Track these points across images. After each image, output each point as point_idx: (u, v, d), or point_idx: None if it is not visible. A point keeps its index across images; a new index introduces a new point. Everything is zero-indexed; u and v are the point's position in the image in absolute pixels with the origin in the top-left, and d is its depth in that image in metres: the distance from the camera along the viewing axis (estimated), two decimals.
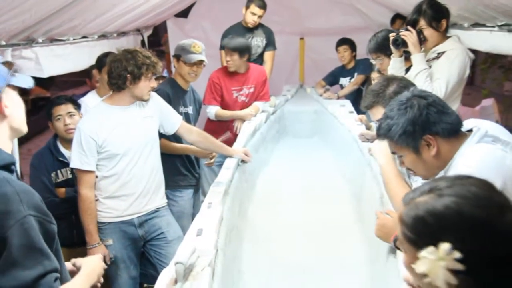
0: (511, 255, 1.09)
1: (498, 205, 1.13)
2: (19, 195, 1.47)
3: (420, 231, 1.15)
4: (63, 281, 1.64)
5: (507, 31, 3.41)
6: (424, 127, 1.92)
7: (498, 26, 3.52)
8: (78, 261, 1.89)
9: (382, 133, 2.05)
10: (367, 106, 2.61)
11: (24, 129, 1.78)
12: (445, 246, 1.08)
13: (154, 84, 3.11)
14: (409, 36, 3.21)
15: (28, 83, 1.77)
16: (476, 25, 3.75)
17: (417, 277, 1.19)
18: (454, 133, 1.94)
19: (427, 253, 1.11)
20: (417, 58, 3.20)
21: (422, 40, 3.22)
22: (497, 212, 1.12)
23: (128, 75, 2.98)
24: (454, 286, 1.09)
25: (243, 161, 3.63)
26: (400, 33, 3.28)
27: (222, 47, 5.42)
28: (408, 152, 1.98)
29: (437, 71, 3.11)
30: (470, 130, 1.97)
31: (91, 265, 1.86)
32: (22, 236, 1.44)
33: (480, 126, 1.97)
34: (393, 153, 2.10)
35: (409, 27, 3.25)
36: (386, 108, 2.11)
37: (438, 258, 1.09)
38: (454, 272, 1.08)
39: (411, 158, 1.99)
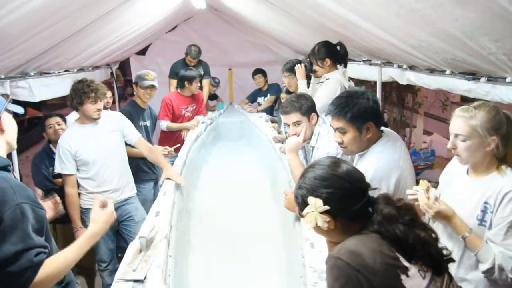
0: (357, 190, 1.24)
1: (334, 161, 1.28)
2: (13, 189, 1.46)
3: (299, 202, 1.30)
4: (51, 254, 1.58)
5: (369, 64, 3.58)
6: (371, 116, 1.91)
7: (363, 61, 3.68)
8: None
9: (338, 111, 1.93)
10: (287, 112, 2.53)
11: (14, 145, 1.75)
12: (311, 200, 1.21)
13: (100, 106, 2.95)
14: (298, 69, 3.38)
15: (20, 110, 1.79)
16: (349, 60, 3.88)
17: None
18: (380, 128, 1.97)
19: (307, 210, 1.23)
20: (299, 82, 3.36)
21: (311, 71, 3.29)
22: (334, 165, 1.26)
23: (75, 100, 2.92)
24: (331, 223, 1.22)
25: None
26: (295, 67, 3.41)
27: (171, 76, 5.39)
28: (353, 129, 1.91)
29: (319, 93, 3.03)
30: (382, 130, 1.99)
31: (94, 227, 1.79)
32: (12, 219, 1.41)
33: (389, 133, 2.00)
34: (338, 128, 1.95)
35: (298, 65, 3.40)
36: (342, 92, 2.03)
37: (312, 210, 1.21)
38: (325, 212, 1.20)
39: (353, 135, 1.92)
